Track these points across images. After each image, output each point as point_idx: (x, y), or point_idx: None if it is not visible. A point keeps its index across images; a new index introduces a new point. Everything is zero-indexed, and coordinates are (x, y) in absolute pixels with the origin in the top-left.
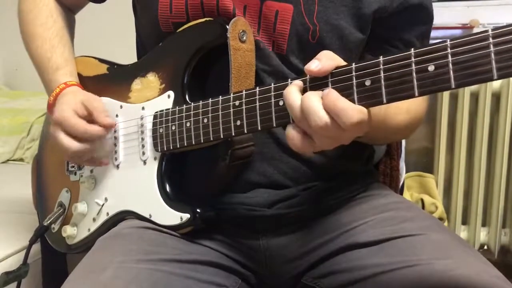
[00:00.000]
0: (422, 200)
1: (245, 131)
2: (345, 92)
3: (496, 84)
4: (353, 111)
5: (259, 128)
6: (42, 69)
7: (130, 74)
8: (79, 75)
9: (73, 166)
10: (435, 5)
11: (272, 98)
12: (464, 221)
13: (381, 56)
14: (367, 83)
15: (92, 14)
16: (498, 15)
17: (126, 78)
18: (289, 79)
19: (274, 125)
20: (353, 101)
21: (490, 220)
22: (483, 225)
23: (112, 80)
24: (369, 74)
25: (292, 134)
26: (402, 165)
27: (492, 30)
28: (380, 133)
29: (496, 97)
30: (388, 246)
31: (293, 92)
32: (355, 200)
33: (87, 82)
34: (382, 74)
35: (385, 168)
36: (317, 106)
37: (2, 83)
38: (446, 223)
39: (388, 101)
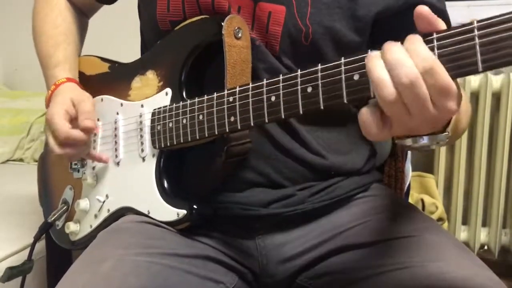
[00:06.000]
0: (422, 200)
1: (239, 127)
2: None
3: (496, 84)
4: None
5: (252, 124)
6: (44, 64)
7: (130, 72)
8: (83, 74)
9: (76, 164)
10: None
11: (264, 93)
12: (464, 221)
13: (369, 50)
14: None
15: (101, 16)
16: None
17: (126, 76)
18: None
19: (266, 120)
20: None
21: (490, 220)
22: (483, 225)
23: (113, 78)
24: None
25: (365, 117)
26: (408, 166)
27: (478, 22)
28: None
29: (496, 97)
30: (383, 248)
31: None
32: (353, 200)
33: (89, 81)
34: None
35: (389, 169)
36: (403, 57)
37: (2, 83)
38: (446, 223)
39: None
